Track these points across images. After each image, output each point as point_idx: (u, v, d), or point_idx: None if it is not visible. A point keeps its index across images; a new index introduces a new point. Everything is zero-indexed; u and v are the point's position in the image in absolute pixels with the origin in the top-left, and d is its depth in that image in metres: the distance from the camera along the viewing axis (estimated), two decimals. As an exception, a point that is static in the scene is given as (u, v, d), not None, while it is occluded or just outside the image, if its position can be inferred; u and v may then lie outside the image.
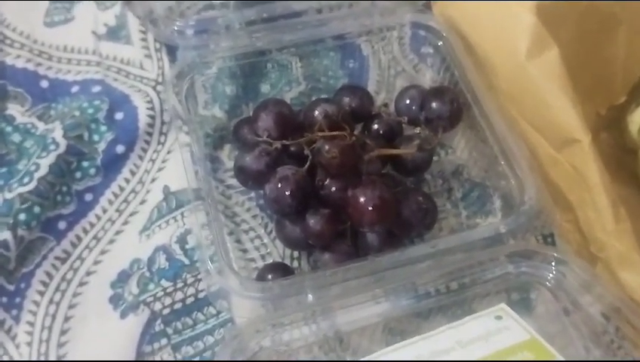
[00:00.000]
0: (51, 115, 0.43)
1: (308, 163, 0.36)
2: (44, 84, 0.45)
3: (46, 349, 0.36)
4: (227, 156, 0.43)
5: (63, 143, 0.40)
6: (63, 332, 0.37)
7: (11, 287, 0.37)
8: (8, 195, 0.38)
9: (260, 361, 0.32)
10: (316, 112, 0.39)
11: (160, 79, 0.45)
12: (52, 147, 0.40)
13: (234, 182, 0.41)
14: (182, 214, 0.40)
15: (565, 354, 0.29)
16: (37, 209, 0.38)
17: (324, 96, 0.44)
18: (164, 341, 0.37)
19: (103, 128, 0.42)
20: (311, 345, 0.33)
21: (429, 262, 0.34)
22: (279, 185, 0.35)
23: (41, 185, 0.39)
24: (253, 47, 0.42)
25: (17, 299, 0.37)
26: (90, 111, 0.42)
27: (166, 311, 0.37)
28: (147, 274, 0.38)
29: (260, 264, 0.39)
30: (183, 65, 0.41)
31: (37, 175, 0.39)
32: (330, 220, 0.36)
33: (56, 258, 0.39)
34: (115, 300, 0.38)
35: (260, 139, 0.38)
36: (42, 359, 0.36)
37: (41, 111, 0.43)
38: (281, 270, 0.37)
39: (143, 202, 0.41)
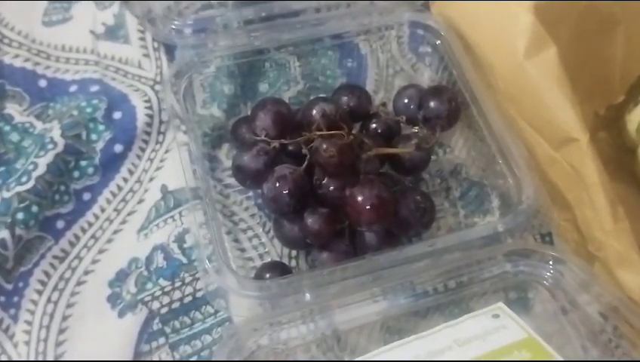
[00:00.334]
0: (49, 114, 0.43)
1: (306, 162, 0.36)
2: (43, 83, 0.45)
3: (44, 348, 0.36)
4: (225, 155, 0.43)
5: (61, 142, 0.40)
6: (61, 331, 0.37)
7: (9, 286, 0.37)
8: (6, 194, 0.38)
9: (257, 361, 0.32)
10: (314, 111, 0.39)
11: (158, 78, 0.45)
12: (50, 146, 0.40)
13: (232, 181, 0.41)
14: (180, 213, 0.40)
15: (563, 353, 0.29)
16: (35, 208, 0.38)
17: (322, 95, 0.44)
18: (162, 340, 0.37)
19: (101, 127, 0.42)
20: (309, 344, 0.33)
21: (426, 261, 0.34)
22: (277, 185, 0.35)
23: (39, 185, 0.39)
24: (252, 47, 0.42)
25: (15, 298, 0.37)
26: (89, 110, 0.42)
27: (164, 310, 0.37)
28: (145, 273, 0.38)
29: (258, 263, 0.39)
30: (181, 64, 0.41)
31: (35, 174, 0.39)
32: (328, 219, 0.36)
33: (55, 257, 0.39)
34: (113, 299, 0.38)
35: (258, 139, 0.38)
36: (40, 358, 0.36)
37: (39, 110, 0.43)
38: (279, 269, 0.37)
39: (141, 201, 0.41)
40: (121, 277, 0.38)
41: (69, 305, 0.38)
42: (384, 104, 0.43)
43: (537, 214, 0.35)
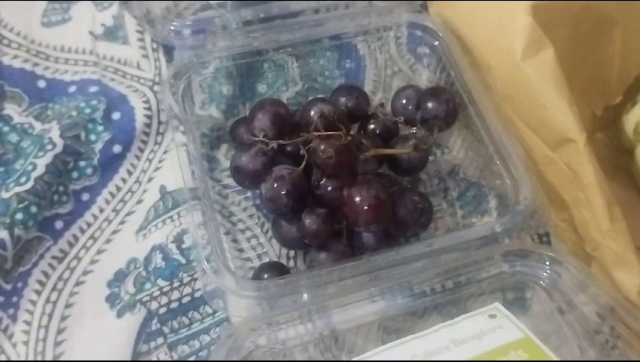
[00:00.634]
0: (48, 114, 0.43)
1: (304, 163, 0.36)
2: (42, 84, 0.45)
3: (43, 348, 0.36)
4: (224, 156, 0.43)
5: (60, 143, 0.41)
6: (60, 332, 0.37)
7: (8, 286, 0.38)
8: (5, 195, 0.38)
9: (255, 361, 0.32)
10: (312, 112, 0.39)
11: (157, 79, 0.45)
12: (49, 147, 0.40)
13: (230, 181, 0.41)
14: (178, 214, 0.40)
15: (560, 353, 0.30)
16: (34, 208, 0.39)
17: (320, 95, 0.44)
18: (160, 340, 0.37)
19: (100, 128, 0.42)
20: (306, 344, 0.33)
21: (424, 261, 0.34)
22: (275, 185, 0.35)
23: (38, 185, 0.39)
24: (250, 47, 0.42)
25: (14, 298, 0.37)
26: (88, 111, 0.42)
27: (162, 310, 0.38)
28: (144, 273, 0.39)
29: (256, 263, 0.39)
30: (179, 65, 0.41)
31: (34, 175, 0.39)
32: (326, 220, 0.36)
33: (53, 257, 0.39)
34: (111, 299, 0.38)
35: (256, 139, 0.38)
36: (39, 358, 0.36)
37: (38, 111, 0.43)
38: (277, 269, 0.37)
39: (139, 202, 0.41)
40: (119, 277, 0.39)
41: (67, 305, 0.38)
42: (382, 105, 0.43)
43: (534, 215, 0.36)
